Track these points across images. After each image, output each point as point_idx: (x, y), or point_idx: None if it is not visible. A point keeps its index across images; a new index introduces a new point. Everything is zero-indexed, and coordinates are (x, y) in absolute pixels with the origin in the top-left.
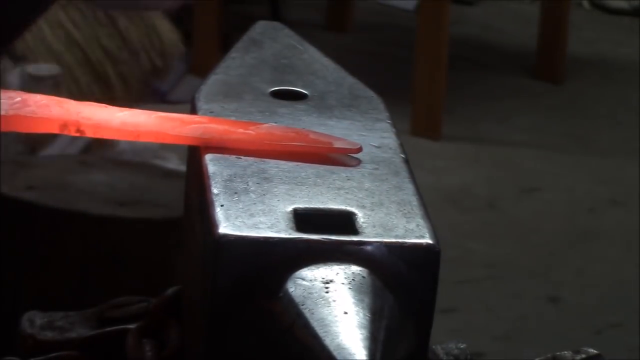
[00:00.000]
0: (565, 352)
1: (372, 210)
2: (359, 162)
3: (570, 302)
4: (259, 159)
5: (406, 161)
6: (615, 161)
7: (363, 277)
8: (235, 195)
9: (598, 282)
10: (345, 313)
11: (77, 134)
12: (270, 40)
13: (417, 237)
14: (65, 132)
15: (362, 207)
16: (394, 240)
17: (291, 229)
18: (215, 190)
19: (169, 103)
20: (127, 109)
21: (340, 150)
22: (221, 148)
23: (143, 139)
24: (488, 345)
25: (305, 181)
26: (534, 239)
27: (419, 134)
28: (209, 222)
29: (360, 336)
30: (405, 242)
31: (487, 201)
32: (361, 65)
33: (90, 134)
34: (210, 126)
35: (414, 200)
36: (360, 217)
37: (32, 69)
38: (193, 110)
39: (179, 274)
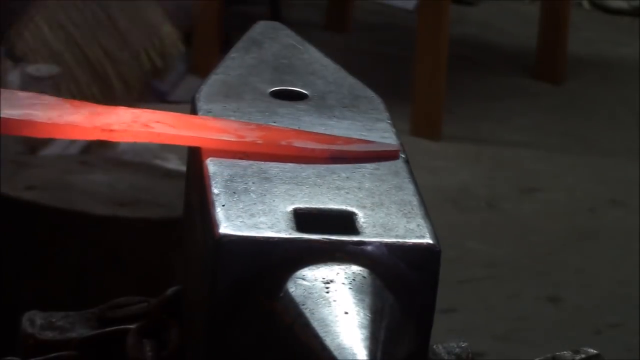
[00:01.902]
0: (565, 352)
1: (373, 210)
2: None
3: (570, 302)
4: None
5: (406, 161)
6: (615, 161)
7: (363, 277)
8: (236, 195)
9: (598, 282)
10: (346, 313)
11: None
12: (270, 40)
13: (417, 237)
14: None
15: (363, 207)
16: (394, 240)
17: (291, 229)
18: (215, 190)
19: (169, 103)
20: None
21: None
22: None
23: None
24: (488, 345)
25: (305, 181)
26: (534, 239)
27: (419, 134)
28: (210, 222)
29: (361, 336)
30: (406, 242)
31: (487, 201)
32: (361, 65)
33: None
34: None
35: (414, 200)
36: (361, 217)
37: (32, 69)
38: (193, 111)
39: (179, 274)
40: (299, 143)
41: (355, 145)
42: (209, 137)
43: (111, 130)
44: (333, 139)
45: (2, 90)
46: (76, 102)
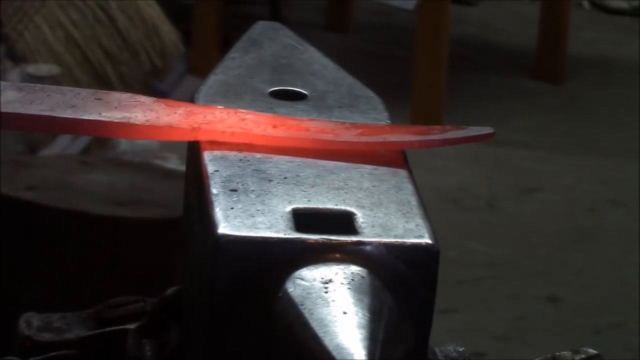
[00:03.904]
0: (565, 352)
1: (372, 210)
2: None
3: (570, 302)
4: (259, 159)
5: (405, 161)
6: (615, 161)
7: (362, 277)
8: (235, 195)
9: (598, 282)
10: (345, 313)
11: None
12: (269, 41)
13: (416, 237)
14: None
15: (362, 207)
16: (393, 240)
17: (290, 229)
18: (214, 190)
19: None
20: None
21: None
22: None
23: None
24: (488, 345)
25: (304, 181)
26: (534, 239)
27: None
28: (209, 222)
29: (360, 336)
30: (405, 242)
31: (487, 201)
32: (361, 65)
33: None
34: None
35: (413, 200)
36: (360, 217)
37: (32, 69)
38: None
39: (179, 273)
40: (394, 137)
41: (451, 133)
42: (306, 137)
43: (208, 131)
44: (428, 129)
45: (97, 91)
46: (171, 102)
